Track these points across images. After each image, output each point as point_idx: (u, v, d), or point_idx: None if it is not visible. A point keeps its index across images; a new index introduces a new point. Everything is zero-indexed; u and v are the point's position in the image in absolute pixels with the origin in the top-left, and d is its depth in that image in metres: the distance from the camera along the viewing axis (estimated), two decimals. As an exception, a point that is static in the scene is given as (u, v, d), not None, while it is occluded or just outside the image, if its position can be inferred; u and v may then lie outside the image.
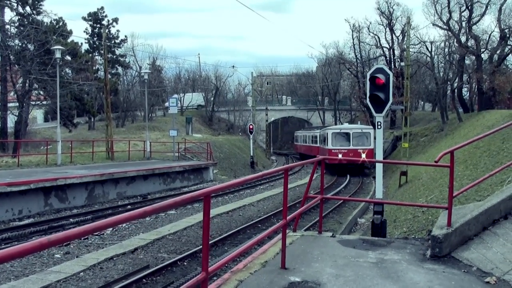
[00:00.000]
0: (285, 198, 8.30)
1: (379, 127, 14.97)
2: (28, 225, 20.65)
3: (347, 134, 51.73)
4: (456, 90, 56.21)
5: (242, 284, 7.32)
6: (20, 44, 47.42)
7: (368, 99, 14.56)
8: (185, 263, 15.04)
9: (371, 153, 47.52)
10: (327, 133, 53.64)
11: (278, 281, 7.47)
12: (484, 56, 53.05)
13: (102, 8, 72.37)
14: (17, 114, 47.05)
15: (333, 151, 50.07)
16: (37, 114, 73.52)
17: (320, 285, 7.35)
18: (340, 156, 47.41)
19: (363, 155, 46.97)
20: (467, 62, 54.04)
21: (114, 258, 15.20)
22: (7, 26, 46.78)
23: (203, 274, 5.38)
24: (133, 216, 4.17)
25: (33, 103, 52.27)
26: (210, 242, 16.94)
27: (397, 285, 7.37)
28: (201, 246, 16.10)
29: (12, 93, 49.02)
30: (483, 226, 9.76)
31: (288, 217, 8.47)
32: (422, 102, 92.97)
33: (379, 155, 15.66)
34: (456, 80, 54.59)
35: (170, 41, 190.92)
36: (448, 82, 54.84)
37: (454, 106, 56.14)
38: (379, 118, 14.78)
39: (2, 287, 12.27)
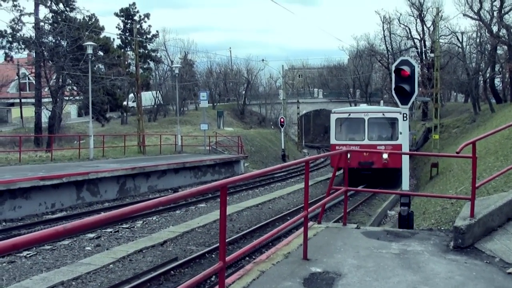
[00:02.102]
0: (306, 189, 8.40)
1: (405, 119, 14.98)
2: (61, 218, 21.02)
3: (360, 121, 33.59)
4: (488, 81, 55.52)
5: (264, 275, 7.45)
6: (53, 41, 48.09)
7: (393, 91, 14.58)
8: (213, 255, 15.19)
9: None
10: (330, 120, 36.03)
11: (299, 272, 7.59)
12: (517, 46, 52.27)
13: (134, 4, 73.04)
14: (51, 109, 47.77)
15: (337, 147, 30.31)
16: (71, 109, 74.44)
17: (340, 275, 7.45)
18: (348, 156, 27.73)
19: (385, 156, 28.77)
20: (499, 52, 53.24)
21: (144, 251, 15.44)
22: (42, 23, 47.51)
23: (220, 263, 5.51)
24: (148, 206, 4.31)
25: (67, 98, 52.87)
26: (239, 235, 17.26)
27: (417, 276, 7.44)
28: (229, 239, 16.33)
29: (46, 89, 49.71)
30: (507, 217, 9.75)
31: (310, 209, 8.57)
32: (455, 93, 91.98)
33: (405, 147, 15.64)
34: (488, 70, 53.93)
35: (201, 36, 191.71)
36: (480, 73, 54.16)
37: (486, 96, 55.47)
38: (404, 110, 14.79)
39: (34, 278, 12.55)
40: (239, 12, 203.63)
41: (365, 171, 32.25)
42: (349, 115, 34.47)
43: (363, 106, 39.40)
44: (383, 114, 33.67)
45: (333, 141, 33.79)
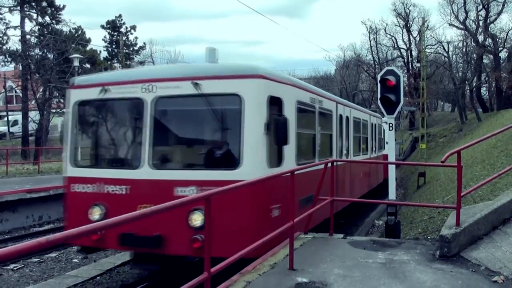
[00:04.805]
0: (292, 200, 8.40)
1: (391, 128, 15.06)
2: (48, 230, 20.93)
3: (134, 108, 11.19)
4: (474, 90, 55.89)
5: (250, 285, 7.44)
6: (40, 53, 48.04)
7: (379, 101, 14.67)
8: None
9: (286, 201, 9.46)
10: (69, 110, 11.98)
11: (285, 282, 7.58)
12: (502, 54, 52.66)
13: (120, 16, 72.96)
14: (38, 122, 47.63)
15: (76, 188, 11.14)
16: (58, 121, 74.19)
17: (326, 285, 7.45)
18: (93, 217, 10.55)
19: (197, 220, 9.58)
20: (485, 61, 53.68)
21: (131, 262, 15.36)
22: (28, 36, 47.46)
23: (205, 274, 5.52)
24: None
25: (54, 111, 52.77)
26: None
27: (403, 285, 7.45)
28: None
29: (33, 102, 49.58)
30: (493, 226, 9.79)
31: (296, 219, 8.57)
32: (442, 103, 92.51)
33: (392, 157, 15.71)
34: (475, 79, 54.30)
35: (188, 47, 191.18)
36: (467, 82, 54.52)
37: (473, 106, 55.84)
38: (390, 119, 14.88)
39: (21, 291, 12.45)
40: (226, 24, 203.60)
41: (142, 263, 13.20)
42: (104, 92, 11.13)
43: (154, 66, 14.42)
44: (197, 87, 10.25)
45: (69, 170, 11.59)
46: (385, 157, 26.82)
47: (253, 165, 9.74)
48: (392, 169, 15.60)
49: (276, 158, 10.59)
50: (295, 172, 8.94)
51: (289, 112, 10.99)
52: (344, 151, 17.76)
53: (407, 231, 18.34)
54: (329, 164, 10.92)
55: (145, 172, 10.31)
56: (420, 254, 9.26)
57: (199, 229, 9.32)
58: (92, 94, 11.15)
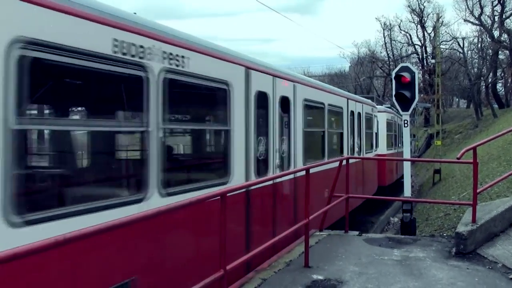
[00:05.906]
0: (307, 196, 8.37)
1: (405, 125, 14.97)
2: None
3: None
4: (490, 86, 55.51)
5: (265, 283, 7.43)
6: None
7: (394, 97, 14.58)
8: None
9: None
10: None
11: (300, 279, 7.57)
12: (518, 50, 52.31)
13: (135, 14, 73.30)
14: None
15: None
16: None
17: (342, 282, 7.43)
18: None
19: None
20: (500, 57, 53.36)
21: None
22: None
23: (221, 271, 5.49)
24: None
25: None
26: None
27: (419, 282, 7.42)
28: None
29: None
30: (509, 222, 9.71)
31: (311, 217, 8.53)
32: (457, 99, 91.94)
33: (407, 154, 15.61)
34: (490, 75, 53.90)
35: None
36: (482, 78, 54.18)
37: (488, 102, 55.45)
38: (405, 116, 14.79)
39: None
40: (238, 22, 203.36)
41: None
42: None
43: None
44: None
45: None
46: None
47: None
48: (407, 166, 15.54)
49: None
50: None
51: None
52: (277, 161, 10.41)
53: (423, 228, 18.26)
54: (340, 163, 10.84)
55: None
56: (436, 251, 9.22)
57: None
58: None
